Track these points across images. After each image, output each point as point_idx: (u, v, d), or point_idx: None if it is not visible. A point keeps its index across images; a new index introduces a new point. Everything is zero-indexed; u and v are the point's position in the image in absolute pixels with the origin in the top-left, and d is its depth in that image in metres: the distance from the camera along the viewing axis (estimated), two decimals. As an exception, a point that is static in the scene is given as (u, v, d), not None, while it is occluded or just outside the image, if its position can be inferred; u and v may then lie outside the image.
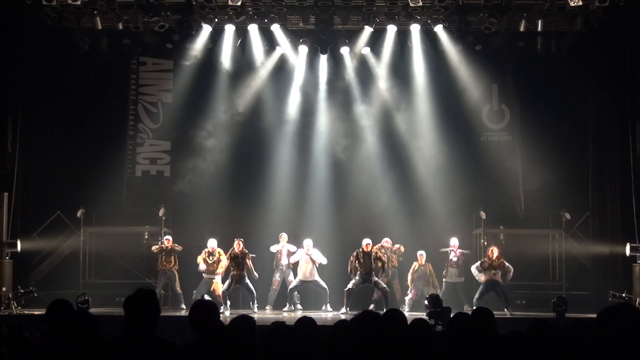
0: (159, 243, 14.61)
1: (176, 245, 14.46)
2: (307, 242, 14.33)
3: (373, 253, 13.76)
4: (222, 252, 14.17)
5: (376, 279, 13.69)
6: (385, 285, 13.82)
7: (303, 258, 14.29)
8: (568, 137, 15.76)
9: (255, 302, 13.92)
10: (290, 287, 14.41)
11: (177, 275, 14.43)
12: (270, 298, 14.55)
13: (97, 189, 15.17)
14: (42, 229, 15.07)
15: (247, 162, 15.99)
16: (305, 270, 14.26)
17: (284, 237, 14.68)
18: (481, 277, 13.78)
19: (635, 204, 13.74)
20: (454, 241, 14.57)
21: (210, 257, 14.17)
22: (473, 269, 13.93)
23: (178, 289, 14.40)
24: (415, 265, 14.56)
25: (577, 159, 15.76)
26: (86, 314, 4.34)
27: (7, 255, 13.51)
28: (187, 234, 15.09)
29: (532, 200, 15.74)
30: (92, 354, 4.01)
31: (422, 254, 14.55)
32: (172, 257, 14.41)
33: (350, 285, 13.76)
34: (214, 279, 14.13)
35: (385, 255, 14.20)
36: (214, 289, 14.11)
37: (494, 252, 13.86)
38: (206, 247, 14.22)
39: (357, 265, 13.71)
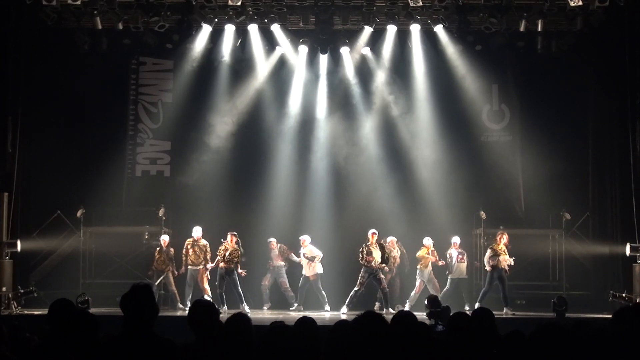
0: (157, 247, 14.62)
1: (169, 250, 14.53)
2: (303, 238, 14.58)
3: (382, 245, 13.98)
4: (207, 244, 14.28)
5: (382, 276, 13.84)
6: (386, 286, 13.90)
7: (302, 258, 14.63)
8: (568, 137, 15.75)
9: (244, 301, 13.96)
10: (299, 285, 14.65)
11: (171, 276, 14.41)
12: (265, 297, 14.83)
13: (97, 189, 15.17)
14: (42, 229, 15.06)
15: (248, 161, 16.00)
16: (306, 269, 14.56)
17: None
18: (490, 263, 13.77)
19: (635, 204, 13.73)
20: (456, 239, 14.58)
21: (196, 247, 14.22)
22: (486, 257, 13.92)
23: (172, 287, 14.42)
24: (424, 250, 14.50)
25: (577, 159, 15.76)
26: (86, 314, 4.34)
27: (7, 255, 13.49)
28: (187, 234, 15.06)
29: (532, 200, 15.73)
30: (92, 353, 4.01)
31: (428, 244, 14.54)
32: (167, 258, 14.44)
33: (357, 287, 13.84)
34: (199, 268, 14.18)
35: (391, 249, 14.42)
36: (199, 280, 14.17)
37: (504, 237, 13.86)
38: (191, 237, 14.29)
39: (367, 256, 13.81)
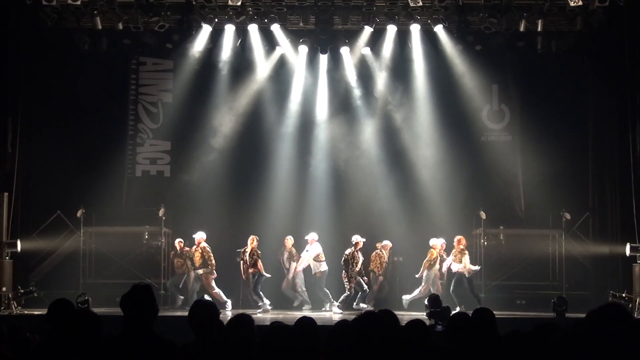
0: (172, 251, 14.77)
1: (187, 248, 14.59)
2: (312, 236, 14.51)
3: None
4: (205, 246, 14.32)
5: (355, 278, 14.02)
6: (359, 279, 14.06)
7: (306, 258, 14.59)
8: (568, 136, 15.74)
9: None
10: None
11: (191, 275, 14.47)
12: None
13: (97, 189, 15.17)
14: (42, 229, 15.07)
15: (248, 162, 16.00)
16: (314, 268, 14.54)
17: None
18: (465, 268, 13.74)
19: (635, 204, 13.73)
20: (441, 241, 14.43)
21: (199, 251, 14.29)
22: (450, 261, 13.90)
23: (190, 287, 14.49)
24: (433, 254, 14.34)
25: (577, 159, 15.76)
26: (89, 313, 4.34)
27: (7, 255, 13.51)
28: (187, 234, 15.08)
29: (532, 200, 15.73)
30: (92, 353, 4.01)
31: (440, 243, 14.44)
32: (185, 259, 14.49)
33: (347, 292, 13.93)
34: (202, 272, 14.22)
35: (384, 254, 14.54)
36: (206, 284, 14.22)
37: (462, 240, 13.86)
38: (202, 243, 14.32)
39: (354, 265, 13.91)
